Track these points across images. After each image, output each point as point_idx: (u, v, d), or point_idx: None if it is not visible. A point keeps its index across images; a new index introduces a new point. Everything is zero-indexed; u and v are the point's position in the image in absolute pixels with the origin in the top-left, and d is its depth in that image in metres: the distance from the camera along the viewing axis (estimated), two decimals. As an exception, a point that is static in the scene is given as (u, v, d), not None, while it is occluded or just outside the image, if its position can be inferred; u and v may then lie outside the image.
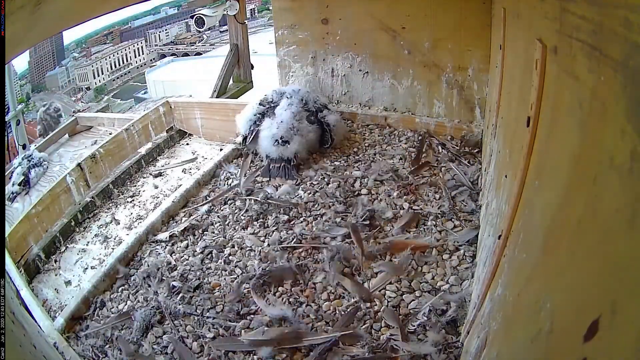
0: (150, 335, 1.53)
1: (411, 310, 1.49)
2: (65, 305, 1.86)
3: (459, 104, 2.56)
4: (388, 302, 1.54)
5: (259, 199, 2.11)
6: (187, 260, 1.85)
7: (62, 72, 18.09)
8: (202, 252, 1.88)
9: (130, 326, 1.57)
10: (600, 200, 0.50)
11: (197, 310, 1.59)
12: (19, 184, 3.12)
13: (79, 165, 2.75)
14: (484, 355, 0.97)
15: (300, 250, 1.79)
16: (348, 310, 1.51)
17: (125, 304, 1.71)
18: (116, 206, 2.76)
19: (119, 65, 19.60)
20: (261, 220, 2.02)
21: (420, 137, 2.53)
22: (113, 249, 2.19)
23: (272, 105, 2.59)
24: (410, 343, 1.37)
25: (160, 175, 2.99)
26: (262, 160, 2.51)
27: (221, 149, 2.87)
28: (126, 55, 19.91)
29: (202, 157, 3.23)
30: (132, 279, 1.82)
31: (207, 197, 2.26)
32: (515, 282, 0.86)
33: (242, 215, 2.07)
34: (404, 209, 1.98)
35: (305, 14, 2.82)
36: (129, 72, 19.73)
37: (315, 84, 2.97)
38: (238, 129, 2.69)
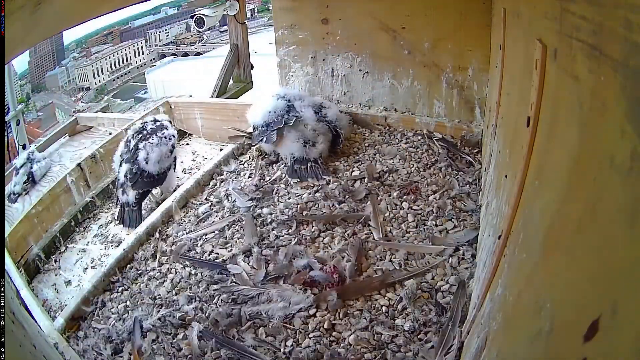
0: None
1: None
2: (65, 305, 1.86)
3: (459, 104, 2.56)
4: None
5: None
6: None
7: (62, 72, 18.09)
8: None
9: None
10: (600, 200, 0.50)
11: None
12: (24, 182, 3.11)
13: (79, 165, 2.75)
14: (484, 355, 0.97)
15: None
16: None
17: (125, 304, 1.71)
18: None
19: (119, 65, 19.60)
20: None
21: (420, 138, 2.54)
22: (113, 249, 2.19)
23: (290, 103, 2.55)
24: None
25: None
26: (276, 160, 2.49)
27: (221, 149, 2.87)
28: (126, 55, 19.92)
29: (202, 157, 3.24)
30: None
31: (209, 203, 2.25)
32: (515, 282, 0.86)
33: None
34: (403, 209, 1.99)
35: (305, 14, 2.82)
36: (129, 72, 19.74)
37: (315, 84, 2.97)
38: (252, 121, 2.60)
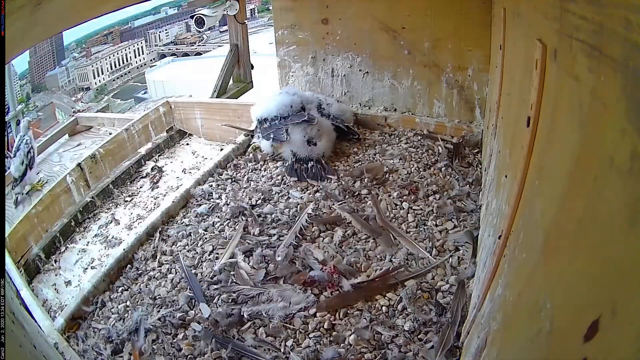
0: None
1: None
2: (65, 305, 1.86)
3: (459, 104, 2.56)
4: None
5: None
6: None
7: (62, 72, 18.09)
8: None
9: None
10: (600, 200, 0.50)
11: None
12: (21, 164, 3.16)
13: (79, 165, 2.75)
14: (484, 355, 0.97)
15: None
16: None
17: (125, 304, 1.71)
18: (116, 206, 2.76)
19: (119, 65, 19.60)
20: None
21: (420, 138, 2.54)
22: (113, 249, 2.19)
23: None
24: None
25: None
26: (275, 159, 2.47)
27: (221, 149, 2.87)
28: (126, 55, 19.92)
29: (202, 157, 3.24)
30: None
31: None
32: (515, 282, 0.86)
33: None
34: (403, 209, 1.99)
35: (305, 14, 2.82)
36: (129, 72, 19.74)
37: (315, 84, 2.97)
38: (261, 113, 2.53)
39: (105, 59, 19.25)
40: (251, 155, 2.58)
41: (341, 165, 2.38)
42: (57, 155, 3.79)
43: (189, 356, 1.45)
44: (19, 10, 0.92)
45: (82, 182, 2.74)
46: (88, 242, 2.50)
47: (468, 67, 2.46)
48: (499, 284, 1.00)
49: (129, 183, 3.00)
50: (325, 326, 1.49)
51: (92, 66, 18.77)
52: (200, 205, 2.19)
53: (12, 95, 4.78)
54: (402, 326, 1.44)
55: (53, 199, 2.54)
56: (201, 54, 18.40)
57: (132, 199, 2.82)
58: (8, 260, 1.97)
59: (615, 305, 0.41)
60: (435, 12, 2.45)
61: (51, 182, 2.87)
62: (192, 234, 2.00)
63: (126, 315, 1.65)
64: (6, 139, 3.98)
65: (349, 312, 1.53)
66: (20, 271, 2.13)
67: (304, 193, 2.16)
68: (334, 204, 2.04)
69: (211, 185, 2.35)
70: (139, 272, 1.86)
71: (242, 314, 1.54)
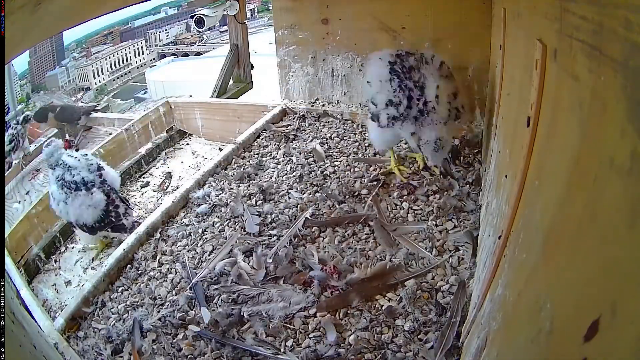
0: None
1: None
2: (65, 305, 1.86)
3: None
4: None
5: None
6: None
7: (62, 72, 18.07)
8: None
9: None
10: (600, 200, 0.50)
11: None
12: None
13: (79, 165, 2.74)
14: (484, 355, 0.97)
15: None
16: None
17: (125, 304, 1.71)
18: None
19: (119, 65, 19.58)
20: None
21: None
22: (113, 248, 2.19)
23: None
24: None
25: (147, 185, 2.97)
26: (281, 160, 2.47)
27: (221, 149, 2.87)
28: (126, 55, 19.90)
29: (202, 157, 3.24)
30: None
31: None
32: (515, 282, 0.86)
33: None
34: (403, 209, 1.99)
35: (305, 14, 2.82)
36: (129, 72, 19.72)
37: (315, 84, 2.97)
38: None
39: (105, 59, 19.23)
40: (255, 155, 2.58)
41: (341, 165, 2.38)
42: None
43: (189, 356, 1.45)
44: (19, 10, 0.92)
45: (82, 182, 2.73)
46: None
47: (468, 67, 2.46)
48: (499, 284, 1.00)
49: (128, 183, 3.00)
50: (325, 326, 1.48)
51: (92, 66, 18.75)
52: (200, 205, 2.20)
53: (12, 95, 4.79)
54: (402, 326, 1.44)
55: (53, 199, 2.54)
56: (201, 54, 18.38)
57: (132, 199, 2.82)
58: (8, 260, 1.97)
59: (615, 305, 0.41)
60: (435, 12, 2.45)
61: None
62: (192, 234, 2.00)
63: (126, 315, 1.65)
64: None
65: (348, 312, 1.53)
66: (20, 271, 2.13)
67: (305, 193, 2.16)
68: (334, 204, 2.04)
69: (211, 185, 2.35)
70: (139, 272, 1.86)
71: (242, 314, 1.54)
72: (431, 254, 1.71)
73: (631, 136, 0.42)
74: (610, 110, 0.49)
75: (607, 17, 0.52)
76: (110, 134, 3.43)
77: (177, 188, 2.54)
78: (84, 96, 18.03)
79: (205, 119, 3.35)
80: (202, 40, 20.40)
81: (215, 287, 1.69)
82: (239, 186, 2.30)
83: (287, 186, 2.25)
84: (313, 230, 1.91)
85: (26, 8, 0.95)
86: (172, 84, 12.19)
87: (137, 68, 19.75)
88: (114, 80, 19.38)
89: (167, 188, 2.88)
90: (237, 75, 4.55)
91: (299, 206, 2.06)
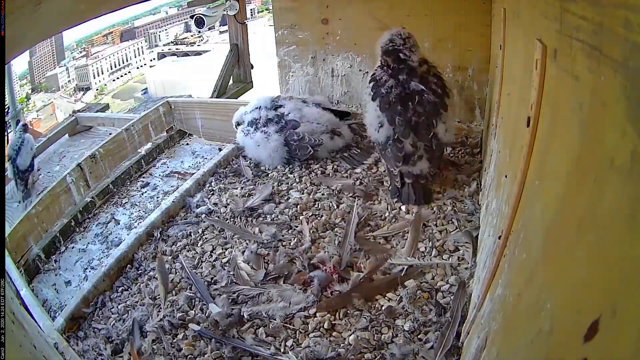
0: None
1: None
2: (65, 305, 1.86)
3: (459, 104, 2.56)
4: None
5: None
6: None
7: (62, 72, 18.08)
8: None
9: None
10: (600, 200, 0.50)
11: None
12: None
13: (79, 165, 2.75)
14: (484, 355, 0.97)
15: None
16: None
17: (125, 304, 1.71)
18: (116, 206, 2.76)
19: (119, 65, 19.59)
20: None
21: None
22: (113, 248, 2.19)
23: None
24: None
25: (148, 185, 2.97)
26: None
27: (220, 149, 2.87)
28: (126, 55, 19.91)
29: (202, 157, 3.24)
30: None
31: None
32: (515, 282, 0.86)
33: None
34: (403, 209, 1.98)
35: (305, 14, 2.82)
36: (129, 72, 19.73)
37: (315, 84, 2.97)
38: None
39: (105, 59, 19.24)
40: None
41: (341, 165, 2.38)
42: (57, 155, 3.80)
43: (189, 356, 1.45)
44: (19, 10, 0.92)
45: (82, 182, 2.74)
46: (88, 242, 2.50)
47: (468, 67, 2.46)
48: (499, 284, 1.00)
49: (128, 183, 3.01)
50: (325, 326, 1.48)
51: (92, 66, 18.76)
52: (200, 205, 2.19)
53: (12, 95, 4.78)
54: (402, 326, 1.44)
55: (53, 199, 2.54)
56: (201, 54, 18.38)
57: (132, 199, 2.82)
58: (8, 260, 1.97)
59: (615, 305, 0.41)
60: (435, 12, 2.45)
61: (51, 182, 2.87)
62: (192, 234, 2.00)
63: (126, 315, 1.65)
64: (6, 139, 4.00)
65: (348, 312, 1.53)
66: (20, 271, 2.13)
67: (304, 193, 2.16)
68: (334, 204, 2.04)
69: (211, 185, 2.35)
70: (139, 272, 1.86)
71: (242, 314, 1.54)
72: (431, 254, 1.71)
73: (631, 136, 0.42)
74: (610, 110, 0.49)
75: (607, 17, 0.52)
76: (110, 134, 3.43)
77: (178, 188, 2.54)
78: (84, 96, 18.03)
79: (205, 119, 3.35)
80: (202, 40, 20.39)
81: (215, 287, 1.69)
82: (239, 186, 2.30)
83: (287, 186, 2.25)
84: (313, 230, 1.90)
85: (26, 8, 0.95)
86: (172, 84, 12.20)
87: (137, 68, 19.76)
88: (114, 80, 19.38)
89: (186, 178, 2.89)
90: (237, 75, 4.56)
91: (299, 206, 2.06)
